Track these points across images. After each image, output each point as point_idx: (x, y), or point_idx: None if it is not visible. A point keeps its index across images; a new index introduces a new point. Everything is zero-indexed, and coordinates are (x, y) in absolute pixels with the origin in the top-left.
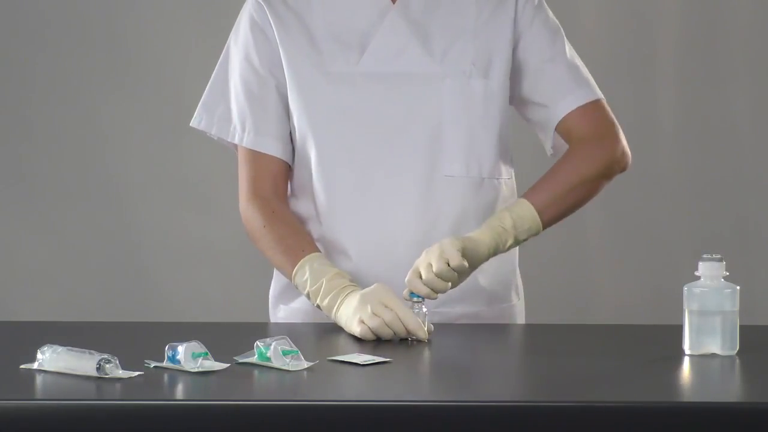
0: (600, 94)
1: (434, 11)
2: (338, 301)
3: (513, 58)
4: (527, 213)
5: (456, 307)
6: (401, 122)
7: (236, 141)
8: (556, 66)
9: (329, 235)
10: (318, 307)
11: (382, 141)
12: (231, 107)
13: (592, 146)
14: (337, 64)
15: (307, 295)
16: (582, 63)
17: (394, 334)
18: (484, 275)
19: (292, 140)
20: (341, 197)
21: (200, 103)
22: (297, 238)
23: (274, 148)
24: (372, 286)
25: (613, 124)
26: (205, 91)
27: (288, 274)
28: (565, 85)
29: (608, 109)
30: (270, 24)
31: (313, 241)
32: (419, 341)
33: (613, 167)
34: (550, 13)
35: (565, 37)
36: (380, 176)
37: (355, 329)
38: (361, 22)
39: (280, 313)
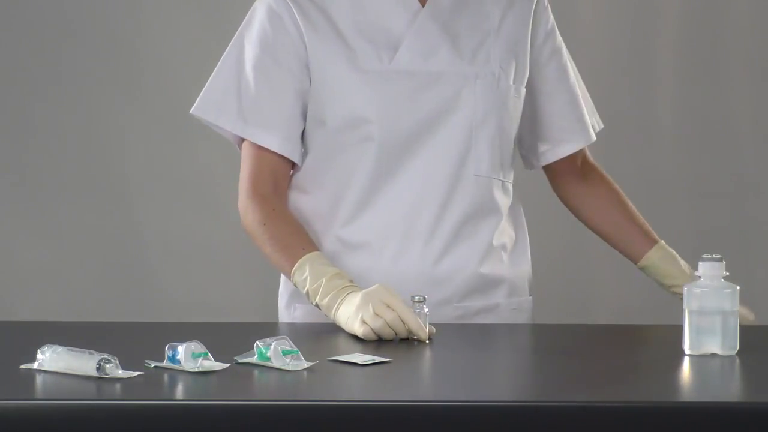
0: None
1: (461, 13)
2: (338, 301)
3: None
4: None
5: (478, 300)
6: (434, 120)
7: (238, 133)
8: (572, 108)
9: (349, 230)
10: (317, 306)
11: (414, 139)
12: (240, 100)
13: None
14: (371, 62)
15: (306, 294)
16: (582, 86)
17: (396, 334)
18: (504, 268)
19: (303, 138)
20: (369, 192)
21: (203, 91)
22: (296, 236)
23: (277, 145)
24: (373, 287)
25: None
26: (209, 81)
27: (287, 273)
28: (567, 127)
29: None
30: (295, 19)
31: (312, 240)
32: (420, 341)
33: None
34: (562, 42)
35: (574, 70)
36: (409, 174)
37: (357, 329)
38: (391, 22)
39: (296, 312)
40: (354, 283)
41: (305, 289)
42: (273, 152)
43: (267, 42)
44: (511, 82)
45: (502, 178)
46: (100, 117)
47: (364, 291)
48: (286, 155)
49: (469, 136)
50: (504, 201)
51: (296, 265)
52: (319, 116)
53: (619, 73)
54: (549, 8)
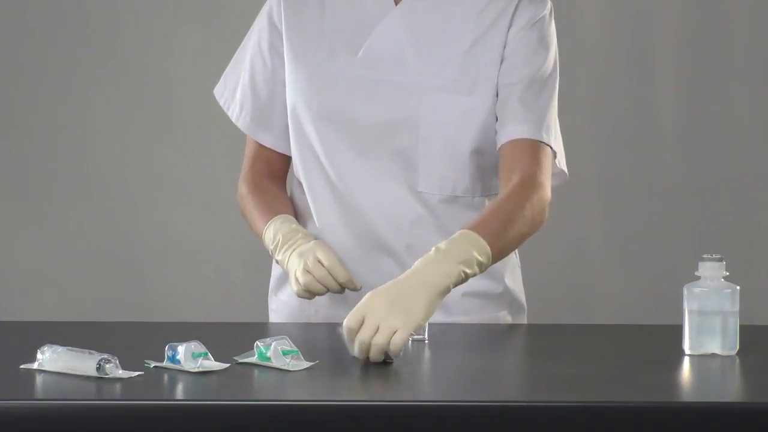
0: (546, 139)
1: (432, 18)
2: (288, 256)
3: None
4: (471, 241)
5: (439, 316)
6: (378, 132)
7: (233, 119)
8: (512, 91)
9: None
10: (277, 262)
11: (359, 149)
12: (238, 86)
13: (528, 190)
14: (330, 66)
15: (271, 253)
16: (552, 105)
17: (327, 290)
18: (464, 285)
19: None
20: (321, 200)
21: (223, 75)
22: (274, 204)
23: (264, 138)
24: (309, 243)
25: (547, 177)
26: (228, 66)
27: (260, 237)
28: (508, 114)
29: (547, 160)
30: (281, 16)
31: (292, 208)
32: (419, 341)
33: (540, 219)
34: (546, 37)
35: (548, 66)
36: (356, 184)
37: (294, 288)
38: (362, 23)
39: (273, 304)
40: (305, 238)
41: (270, 249)
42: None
43: (262, 37)
44: (471, 95)
45: (459, 194)
46: (100, 117)
47: (299, 249)
48: (280, 152)
49: (412, 150)
50: (461, 216)
51: (265, 227)
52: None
53: (619, 73)
54: (539, 7)
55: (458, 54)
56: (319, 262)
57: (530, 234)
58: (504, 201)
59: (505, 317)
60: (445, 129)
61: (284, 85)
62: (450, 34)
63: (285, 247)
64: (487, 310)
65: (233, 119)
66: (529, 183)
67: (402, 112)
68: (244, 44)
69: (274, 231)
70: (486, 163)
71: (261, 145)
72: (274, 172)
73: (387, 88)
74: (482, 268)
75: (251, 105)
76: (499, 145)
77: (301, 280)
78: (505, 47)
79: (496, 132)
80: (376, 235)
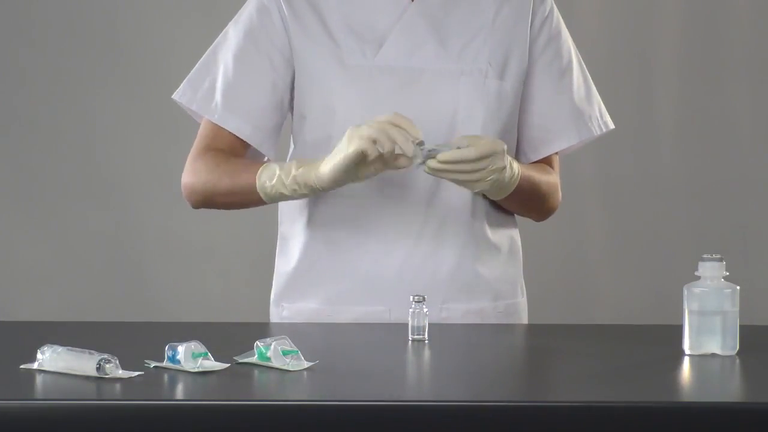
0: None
1: (452, 9)
2: (317, 160)
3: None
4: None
5: (462, 303)
6: (416, 117)
7: (213, 119)
8: (560, 105)
9: (330, 228)
10: (295, 185)
11: None
12: (216, 85)
13: (557, 190)
14: (355, 57)
15: (280, 182)
16: (589, 84)
17: (393, 146)
18: (490, 271)
19: (279, 133)
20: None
21: (186, 79)
22: (256, 162)
23: (248, 134)
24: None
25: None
26: (193, 69)
27: (252, 185)
28: (565, 124)
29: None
30: (283, 13)
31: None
32: (419, 341)
33: (549, 214)
34: (566, 36)
35: (575, 66)
36: (389, 172)
37: (351, 148)
38: (379, 18)
39: (284, 312)
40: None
41: (275, 178)
42: (235, 136)
43: (252, 33)
44: (502, 80)
45: None
46: (100, 117)
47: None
48: (254, 144)
49: (450, 133)
50: (491, 201)
51: (260, 171)
52: (301, 111)
53: (619, 73)
54: (550, 0)
55: (486, 40)
56: (393, 125)
57: (542, 212)
58: (545, 174)
59: (523, 304)
60: (483, 111)
61: (270, 82)
62: (472, 22)
63: (305, 162)
64: (510, 296)
65: (204, 113)
66: (558, 186)
67: (440, 97)
68: (210, 53)
69: (278, 166)
70: (510, 146)
71: (222, 136)
72: (235, 154)
73: (422, 75)
74: (510, 175)
75: (234, 99)
76: (552, 152)
77: (367, 132)
78: (531, 33)
79: (536, 137)
80: (410, 222)
